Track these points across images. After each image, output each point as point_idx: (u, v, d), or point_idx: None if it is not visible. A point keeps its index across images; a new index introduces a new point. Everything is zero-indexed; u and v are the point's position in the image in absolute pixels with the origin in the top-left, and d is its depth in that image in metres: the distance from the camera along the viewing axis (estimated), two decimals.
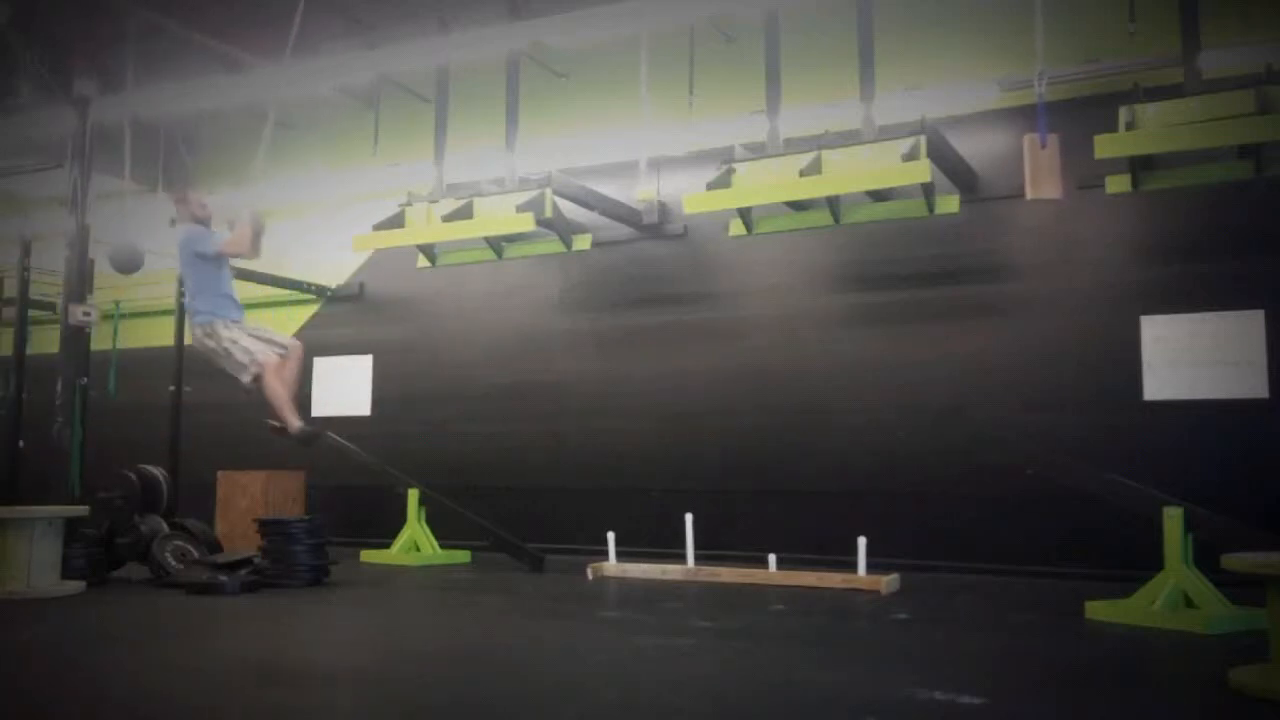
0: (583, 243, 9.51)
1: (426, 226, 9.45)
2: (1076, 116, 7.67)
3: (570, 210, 9.42)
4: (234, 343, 6.73)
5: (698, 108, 9.41)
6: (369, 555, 9.42)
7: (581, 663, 4.87)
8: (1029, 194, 6.88)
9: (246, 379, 6.73)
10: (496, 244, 9.60)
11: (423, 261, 10.04)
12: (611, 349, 9.94)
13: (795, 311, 9.19)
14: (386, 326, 11.28)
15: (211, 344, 6.76)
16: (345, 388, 11.42)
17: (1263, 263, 7.58)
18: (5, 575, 6.93)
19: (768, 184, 7.93)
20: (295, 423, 6.70)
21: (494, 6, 9.34)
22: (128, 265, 9.35)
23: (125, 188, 10.54)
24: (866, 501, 8.48)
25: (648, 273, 9.94)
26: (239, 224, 6.91)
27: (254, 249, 6.98)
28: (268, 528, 7.74)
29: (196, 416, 10.25)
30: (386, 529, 9.73)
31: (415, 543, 9.36)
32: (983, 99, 8.63)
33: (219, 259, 6.95)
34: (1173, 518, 5.86)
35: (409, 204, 9.60)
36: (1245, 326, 7.58)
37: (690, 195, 8.35)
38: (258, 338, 6.86)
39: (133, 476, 8.34)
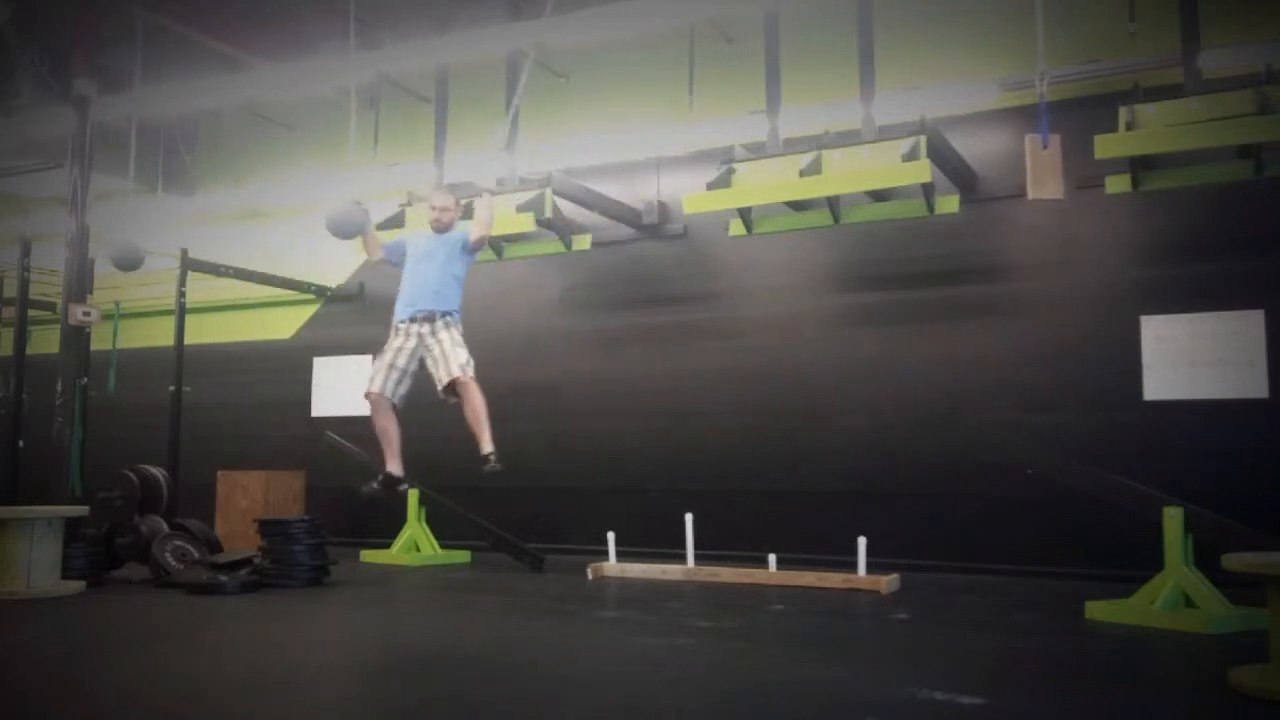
0: (583, 243, 9.50)
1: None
2: (1077, 116, 7.67)
3: (570, 210, 9.42)
4: (458, 345, 6.09)
5: (698, 108, 9.40)
6: (369, 555, 9.42)
7: (581, 663, 4.86)
8: (1030, 194, 6.87)
9: (446, 380, 6.02)
10: (496, 244, 9.58)
11: None
12: (611, 349, 9.94)
13: (795, 311, 9.19)
14: (386, 326, 11.24)
15: (443, 339, 6.09)
16: (345, 388, 11.41)
17: (1263, 263, 7.58)
18: (5, 575, 6.92)
19: (768, 184, 7.93)
20: (387, 465, 6.16)
21: (494, 6, 9.35)
22: (128, 263, 9.33)
23: (128, 188, 10.55)
24: (866, 501, 8.48)
25: (648, 273, 9.94)
26: (481, 209, 6.25)
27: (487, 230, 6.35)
28: (268, 528, 7.73)
29: (196, 416, 10.25)
30: (386, 529, 9.74)
31: (415, 543, 9.36)
32: (983, 99, 8.62)
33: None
34: (1173, 518, 5.86)
35: (409, 204, 9.59)
36: (1245, 326, 7.58)
37: (690, 195, 8.36)
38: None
39: (133, 476, 8.33)
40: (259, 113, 11.66)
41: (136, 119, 10.01)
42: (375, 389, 6.07)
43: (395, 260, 6.47)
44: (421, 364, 6.17)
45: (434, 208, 6.36)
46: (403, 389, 6.16)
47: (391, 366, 6.09)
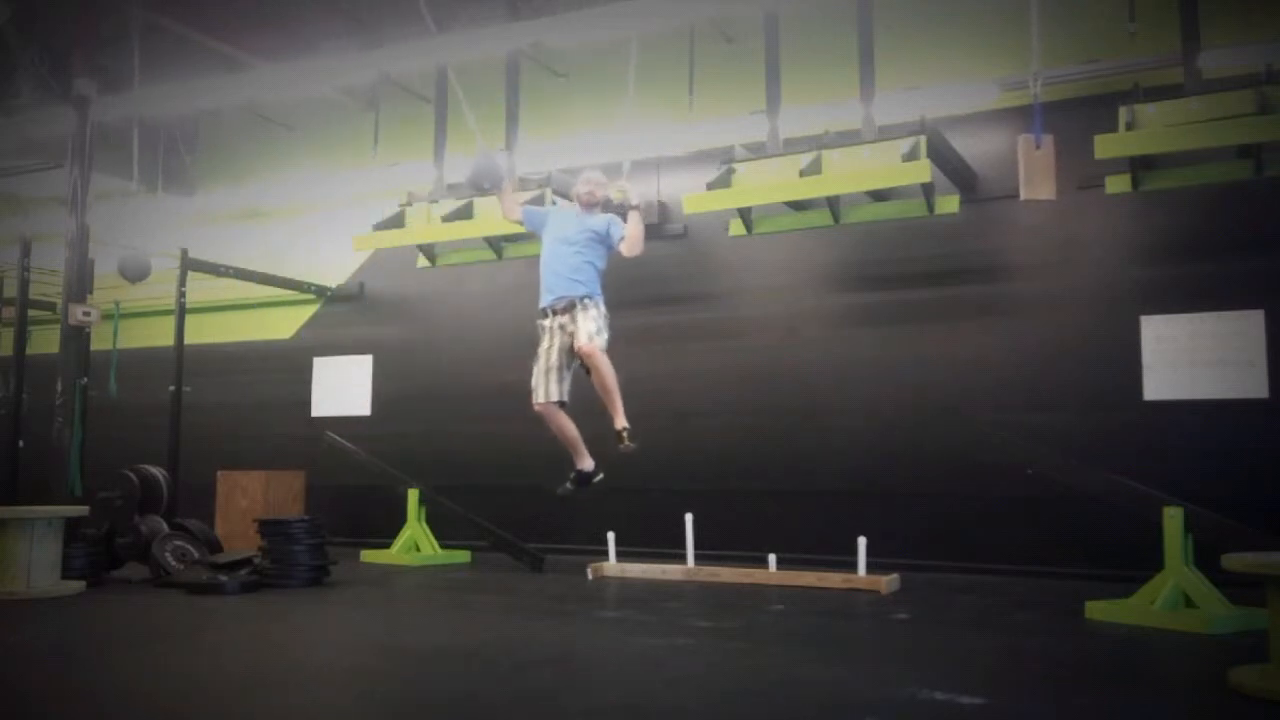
0: None
1: (426, 226, 9.46)
2: (1076, 116, 7.67)
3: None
4: (591, 319, 5.94)
5: (698, 108, 9.40)
6: (369, 555, 9.42)
7: (581, 663, 4.87)
8: (1023, 195, 6.88)
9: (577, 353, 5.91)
10: (496, 244, 9.60)
11: (423, 261, 10.04)
12: (611, 349, 9.90)
13: (795, 311, 9.19)
14: (386, 326, 11.28)
15: (579, 319, 5.95)
16: (345, 388, 11.42)
17: (1263, 263, 7.58)
18: (5, 575, 6.93)
19: (768, 184, 7.94)
20: (579, 463, 6.08)
21: (494, 6, 9.34)
22: (137, 274, 9.33)
23: (129, 188, 10.56)
24: (866, 501, 8.48)
25: (648, 273, 9.89)
26: (634, 225, 6.00)
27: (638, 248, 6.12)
28: (268, 528, 7.73)
29: (196, 416, 10.24)
30: (386, 529, 9.74)
31: (415, 543, 9.36)
32: (982, 99, 8.62)
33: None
34: (1173, 518, 5.86)
35: (409, 204, 9.60)
36: (1245, 326, 7.58)
37: (690, 195, 8.37)
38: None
39: (133, 476, 8.33)
40: (259, 113, 11.65)
41: (138, 119, 10.01)
42: (541, 399, 5.95)
43: (531, 228, 6.36)
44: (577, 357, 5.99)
45: (585, 181, 6.19)
46: (566, 385, 6.00)
47: (549, 370, 5.97)
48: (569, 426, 6.07)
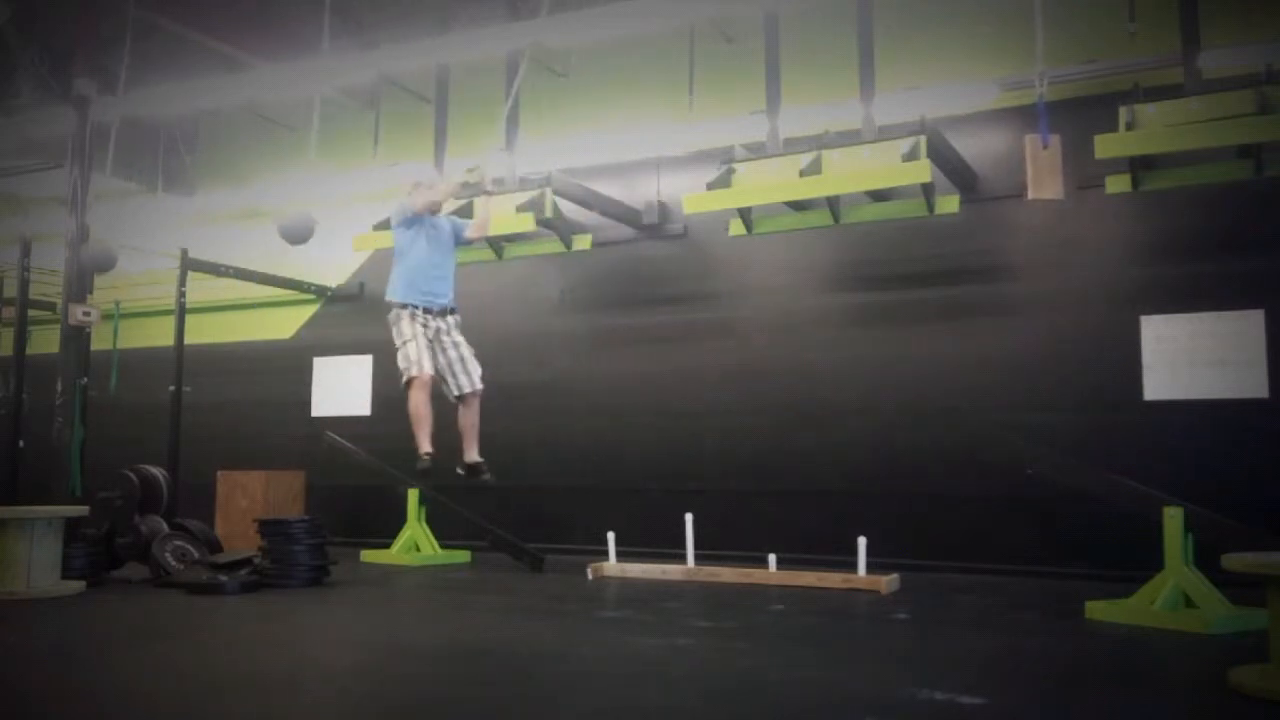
0: (583, 243, 9.51)
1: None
2: (1076, 116, 7.67)
3: (570, 210, 9.42)
4: (472, 353, 6.20)
5: (698, 108, 9.40)
6: (369, 555, 9.42)
7: (581, 663, 4.86)
8: (1030, 194, 6.87)
9: (467, 391, 6.18)
10: (497, 244, 9.60)
11: None
12: (611, 349, 9.94)
13: (795, 311, 9.20)
14: (386, 327, 11.26)
15: (460, 344, 6.20)
16: (345, 388, 11.42)
17: (1263, 263, 7.58)
18: (5, 575, 6.92)
19: (768, 184, 7.94)
20: (425, 446, 6.10)
21: (494, 6, 9.34)
22: (101, 264, 9.25)
23: (117, 186, 10.54)
24: (866, 501, 8.48)
25: (648, 273, 9.94)
26: (481, 209, 6.47)
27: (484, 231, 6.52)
28: (268, 528, 7.73)
29: (196, 416, 10.24)
30: (386, 529, 9.74)
31: (415, 543, 9.36)
32: (983, 99, 8.63)
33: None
34: (1173, 518, 5.86)
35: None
36: (1245, 326, 7.58)
37: (690, 195, 8.37)
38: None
39: (133, 476, 8.33)
40: (259, 113, 11.65)
41: (130, 118, 10.00)
42: (428, 370, 5.97)
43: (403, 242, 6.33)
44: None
45: (429, 189, 6.37)
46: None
47: (429, 345, 6.07)
48: (429, 409, 6.08)
